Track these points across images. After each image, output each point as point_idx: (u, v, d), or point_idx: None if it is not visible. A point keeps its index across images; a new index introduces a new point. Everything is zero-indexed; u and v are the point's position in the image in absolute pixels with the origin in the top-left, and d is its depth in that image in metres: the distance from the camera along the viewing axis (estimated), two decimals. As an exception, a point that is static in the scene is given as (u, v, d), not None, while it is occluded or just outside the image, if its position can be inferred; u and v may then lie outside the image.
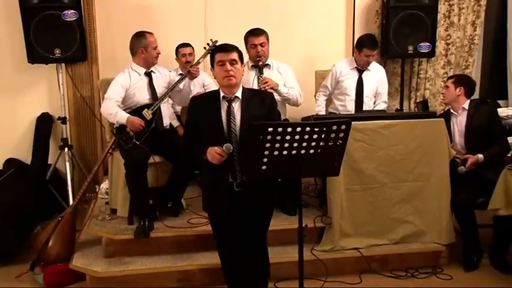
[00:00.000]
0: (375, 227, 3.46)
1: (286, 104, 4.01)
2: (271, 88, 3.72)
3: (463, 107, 3.67)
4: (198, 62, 3.74)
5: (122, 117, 3.42)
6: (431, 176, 3.44)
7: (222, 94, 2.55)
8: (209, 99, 2.59)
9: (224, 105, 2.53)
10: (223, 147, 2.42)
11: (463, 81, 3.71)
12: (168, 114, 3.89)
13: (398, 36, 4.63)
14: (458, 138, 3.67)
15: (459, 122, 3.68)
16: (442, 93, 3.80)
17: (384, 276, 3.36)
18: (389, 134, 3.38)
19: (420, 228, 3.49)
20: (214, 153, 2.41)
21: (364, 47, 4.00)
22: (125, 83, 3.56)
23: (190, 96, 3.91)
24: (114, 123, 3.50)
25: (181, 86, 3.67)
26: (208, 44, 3.73)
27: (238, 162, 2.49)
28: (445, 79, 4.68)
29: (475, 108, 3.65)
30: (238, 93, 2.55)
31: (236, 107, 2.53)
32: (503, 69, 5.28)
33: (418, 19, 4.62)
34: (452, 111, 3.73)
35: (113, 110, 3.45)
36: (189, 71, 3.64)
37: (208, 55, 3.53)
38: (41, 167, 4.47)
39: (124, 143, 3.43)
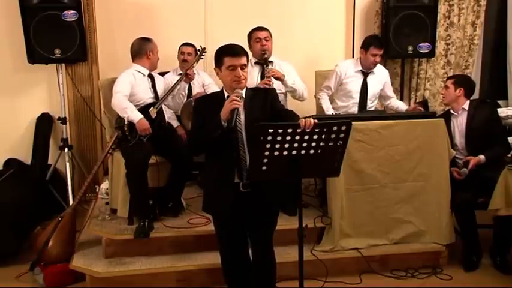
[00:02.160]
0: (374, 227, 3.46)
1: (288, 102, 4.01)
2: (278, 78, 3.73)
3: (463, 108, 3.66)
4: (192, 66, 3.91)
5: (136, 116, 3.45)
6: (431, 176, 3.44)
7: (226, 94, 2.52)
8: (214, 100, 2.56)
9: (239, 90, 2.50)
10: (234, 92, 2.39)
11: (463, 81, 3.71)
12: (168, 113, 3.96)
13: (398, 36, 4.63)
14: (459, 138, 3.66)
15: (459, 122, 3.68)
16: (442, 94, 3.79)
17: (384, 276, 3.36)
18: (390, 134, 3.37)
19: (420, 229, 3.49)
20: (228, 101, 2.36)
21: (371, 46, 3.97)
22: (131, 81, 3.60)
23: (191, 99, 4.03)
24: (123, 119, 3.50)
25: (178, 86, 3.79)
26: (199, 50, 3.93)
27: (245, 161, 2.46)
28: (445, 79, 4.67)
29: (475, 109, 3.65)
30: (242, 93, 2.54)
31: (240, 106, 2.52)
32: (503, 69, 5.27)
33: (418, 19, 4.62)
34: (452, 111, 3.72)
35: (127, 105, 3.48)
36: (186, 74, 3.79)
37: (202, 59, 3.94)
38: (41, 167, 4.47)
39: (131, 138, 3.47)
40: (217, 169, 2.50)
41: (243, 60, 2.46)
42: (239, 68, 2.44)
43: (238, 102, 2.36)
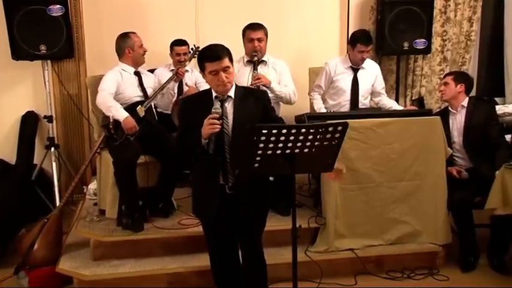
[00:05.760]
0: (370, 227, 3.47)
1: (280, 102, 4.02)
2: (264, 85, 3.72)
3: (462, 105, 3.67)
4: (185, 65, 4.00)
5: (122, 114, 3.45)
6: (427, 175, 3.45)
7: (214, 94, 2.51)
8: (200, 100, 2.55)
9: (217, 105, 2.48)
10: (212, 111, 2.35)
11: (463, 77, 3.71)
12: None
13: (393, 32, 4.64)
14: (457, 136, 3.66)
15: (458, 120, 3.68)
16: (441, 91, 3.76)
17: (380, 277, 3.37)
18: (385, 132, 3.38)
19: (416, 229, 3.50)
20: (207, 123, 2.33)
21: (357, 43, 3.96)
22: (118, 79, 3.60)
23: (181, 97, 4.06)
24: (109, 117, 3.49)
25: (169, 85, 3.85)
26: (192, 49, 4.05)
27: (231, 164, 2.45)
28: (442, 76, 4.69)
29: (474, 106, 3.65)
30: (231, 93, 2.51)
31: (229, 107, 2.50)
32: (500, 66, 5.29)
33: (413, 15, 4.63)
34: (450, 109, 3.73)
35: (112, 103, 3.47)
36: (176, 72, 3.85)
37: (195, 58, 3.96)
38: (26, 167, 4.43)
39: (118, 137, 3.46)
40: (203, 171, 2.50)
41: (225, 62, 2.41)
42: (221, 72, 2.40)
43: (217, 126, 2.33)
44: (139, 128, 3.49)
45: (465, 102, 3.67)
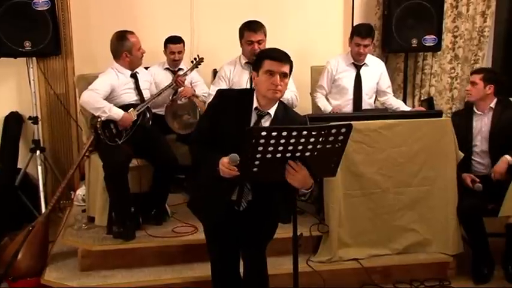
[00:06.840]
0: (376, 236, 3.49)
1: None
2: None
3: (490, 107, 3.61)
4: (185, 74, 4.12)
5: (117, 113, 3.48)
6: (437, 180, 3.47)
7: (255, 104, 2.47)
8: (240, 103, 2.48)
9: (253, 118, 2.47)
10: (229, 159, 2.28)
11: (493, 78, 3.59)
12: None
13: (401, 28, 4.65)
14: (481, 140, 3.62)
15: (484, 123, 3.62)
16: (467, 90, 3.67)
17: (386, 289, 3.39)
18: (392, 134, 3.40)
19: (425, 237, 3.52)
20: (224, 169, 2.30)
21: (354, 35, 4.01)
22: (114, 83, 3.60)
23: (175, 97, 4.17)
24: (98, 117, 3.49)
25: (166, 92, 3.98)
26: (195, 59, 4.20)
27: (248, 186, 2.45)
28: (452, 75, 4.69)
29: (503, 108, 3.59)
30: (272, 110, 2.48)
31: (265, 125, 2.46)
32: (516, 64, 5.31)
33: (422, 9, 4.64)
34: (476, 110, 3.66)
35: (103, 104, 3.48)
36: (176, 81, 4.00)
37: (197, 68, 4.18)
38: (9, 172, 4.43)
39: (105, 139, 3.48)
40: (217, 179, 2.42)
41: (285, 68, 2.41)
42: (278, 75, 2.38)
43: (235, 173, 2.28)
44: (131, 132, 3.54)
45: (493, 104, 3.61)
